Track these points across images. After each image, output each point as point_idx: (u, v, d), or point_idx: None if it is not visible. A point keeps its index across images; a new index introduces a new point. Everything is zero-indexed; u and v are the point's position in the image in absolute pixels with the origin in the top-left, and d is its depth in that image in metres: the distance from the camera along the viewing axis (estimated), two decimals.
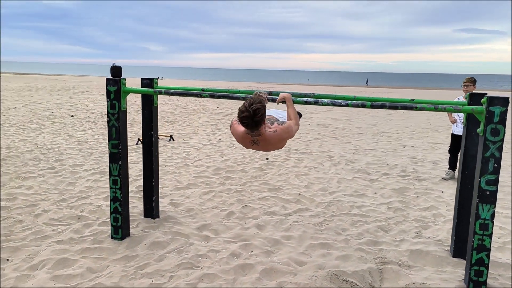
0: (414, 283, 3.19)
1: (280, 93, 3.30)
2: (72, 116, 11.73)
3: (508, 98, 2.88)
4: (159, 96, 13.46)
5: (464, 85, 5.80)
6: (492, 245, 3.43)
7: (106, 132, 9.14)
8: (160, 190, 5.25)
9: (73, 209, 4.52)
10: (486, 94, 3.17)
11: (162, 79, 58.86)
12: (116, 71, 3.55)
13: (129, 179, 5.56)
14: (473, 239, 3.05)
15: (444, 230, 4.24)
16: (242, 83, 47.49)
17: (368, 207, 4.88)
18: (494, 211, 3.00)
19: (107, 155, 7.06)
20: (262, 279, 3.20)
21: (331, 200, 5.08)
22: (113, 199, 3.75)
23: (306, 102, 3.27)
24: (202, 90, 3.64)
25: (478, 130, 3.01)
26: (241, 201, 4.95)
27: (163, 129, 9.97)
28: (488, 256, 3.05)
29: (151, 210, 4.32)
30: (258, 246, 3.76)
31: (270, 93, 3.44)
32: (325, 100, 3.22)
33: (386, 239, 4.02)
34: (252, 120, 2.77)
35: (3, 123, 10.03)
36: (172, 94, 3.65)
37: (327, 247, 3.82)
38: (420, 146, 8.80)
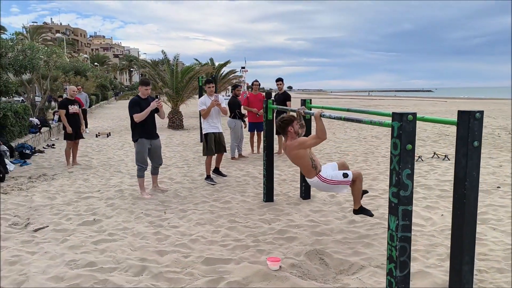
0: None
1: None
2: None
3: (404, 114, 2.93)
4: None
5: None
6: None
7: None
8: None
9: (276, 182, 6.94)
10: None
11: None
12: (266, 95, 5.77)
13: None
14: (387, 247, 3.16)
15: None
16: None
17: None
18: (398, 224, 3.02)
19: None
20: (282, 242, 4.46)
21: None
22: (263, 176, 5.97)
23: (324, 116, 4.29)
24: (347, 110, 5.19)
25: None
26: (380, 207, 5.64)
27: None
28: (396, 268, 3.06)
29: (302, 193, 6.10)
30: (325, 229, 4.84)
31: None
32: (333, 114, 4.14)
33: (442, 264, 3.88)
34: (278, 127, 4.46)
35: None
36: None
37: (369, 247, 4.32)
38: None
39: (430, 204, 5.72)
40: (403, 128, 2.96)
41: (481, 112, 3.09)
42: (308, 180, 4.56)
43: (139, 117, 6.04)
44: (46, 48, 16.40)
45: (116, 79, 79.15)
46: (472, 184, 3.14)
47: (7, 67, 13.97)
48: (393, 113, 3.06)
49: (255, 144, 10.26)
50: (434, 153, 9.41)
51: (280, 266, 3.70)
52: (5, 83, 8.82)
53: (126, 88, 69.68)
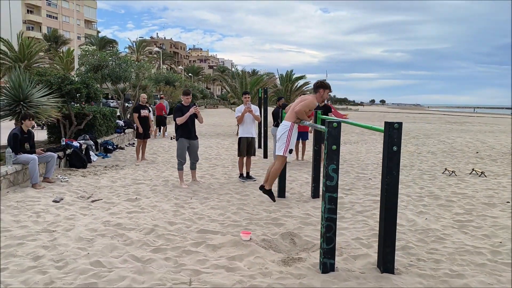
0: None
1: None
2: (477, 152, 13.27)
3: (331, 121, 3.80)
4: None
5: None
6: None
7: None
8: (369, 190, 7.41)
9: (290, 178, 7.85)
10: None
11: None
12: (282, 106, 6.77)
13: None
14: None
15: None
16: None
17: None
18: (325, 207, 3.88)
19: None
20: (269, 226, 5.46)
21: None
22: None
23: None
24: None
25: None
26: (376, 209, 6.29)
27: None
28: (323, 241, 3.91)
29: (312, 192, 6.97)
30: (314, 220, 5.70)
31: None
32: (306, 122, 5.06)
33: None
34: (316, 83, 5.71)
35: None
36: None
37: (340, 235, 5.12)
38: None
39: (424, 210, 6.23)
40: (330, 133, 3.85)
41: (400, 124, 3.84)
42: (284, 122, 5.91)
43: (180, 120, 7.44)
44: (137, 63, 19.02)
45: (209, 89, 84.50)
46: (391, 180, 3.89)
47: (105, 77, 16.72)
48: (325, 121, 3.95)
49: (300, 151, 11.20)
50: (473, 169, 9.53)
51: (250, 238, 4.71)
52: (95, 91, 10.88)
53: (216, 97, 74.04)
